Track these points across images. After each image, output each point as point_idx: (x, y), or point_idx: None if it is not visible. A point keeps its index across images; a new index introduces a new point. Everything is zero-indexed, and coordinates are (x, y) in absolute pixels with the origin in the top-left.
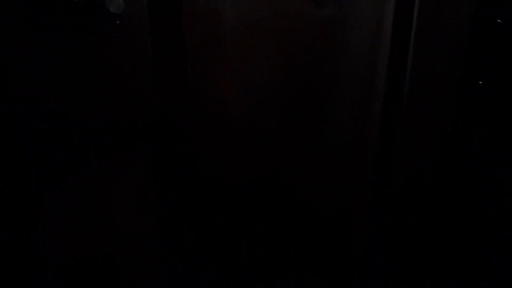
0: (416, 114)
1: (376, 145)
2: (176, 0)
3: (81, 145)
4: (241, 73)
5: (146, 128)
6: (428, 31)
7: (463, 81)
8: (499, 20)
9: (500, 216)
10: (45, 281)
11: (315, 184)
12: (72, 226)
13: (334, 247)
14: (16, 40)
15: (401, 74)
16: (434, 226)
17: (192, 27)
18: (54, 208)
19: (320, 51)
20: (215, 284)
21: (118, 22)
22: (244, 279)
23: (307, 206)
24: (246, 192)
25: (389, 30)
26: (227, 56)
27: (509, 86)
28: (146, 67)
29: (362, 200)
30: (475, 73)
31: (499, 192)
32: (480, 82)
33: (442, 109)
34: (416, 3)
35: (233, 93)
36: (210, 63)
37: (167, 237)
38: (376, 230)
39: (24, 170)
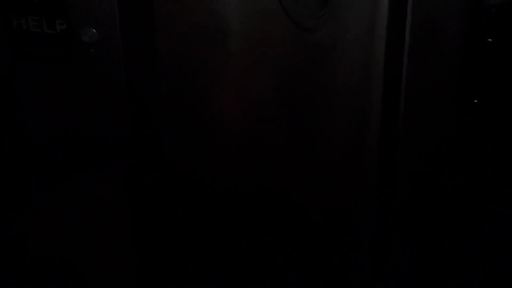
0: (413, 127)
1: (374, 156)
2: (150, 29)
3: (50, 162)
4: (236, 93)
5: (118, 146)
6: (420, 55)
7: (458, 100)
8: (489, 40)
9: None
10: None
11: (317, 194)
12: (35, 248)
13: (339, 254)
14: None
15: (396, 91)
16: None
17: (169, 51)
18: (18, 227)
19: (314, 71)
20: None
21: (92, 50)
22: None
23: (310, 216)
24: (243, 208)
25: (381, 54)
26: (221, 76)
27: (502, 104)
28: (118, 88)
29: (364, 206)
30: (470, 92)
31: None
32: (476, 101)
33: (440, 125)
34: (407, 27)
35: (217, 112)
36: (192, 81)
37: (144, 264)
38: (380, 236)
39: None
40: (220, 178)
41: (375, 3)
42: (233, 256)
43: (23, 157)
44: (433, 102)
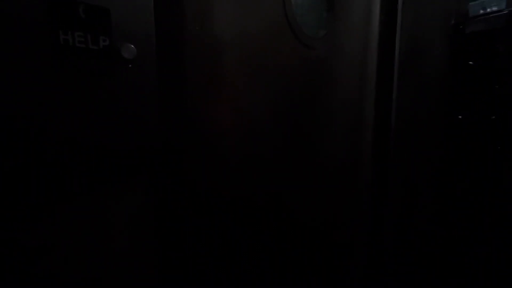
0: (404, 141)
1: (368, 168)
2: (181, 46)
3: (86, 170)
4: (241, 107)
5: (147, 155)
6: (409, 73)
7: (445, 116)
8: (471, 62)
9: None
10: None
11: (317, 200)
12: (68, 254)
13: (336, 255)
14: (46, 77)
15: (387, 106)
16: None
17: (194, 68)
18: (52, 233)
19: (312, 86)
20: None
21: (130, 65)
22: None
23: (311, 220)
24: (246, 216)
25: (374, 71)
26: (227, 90)
27: (481, 121)
28: (151, 102)
29: (361, 210)
30: (454, 108)
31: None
32: (460, 117)
33: (427, 137)
34: (396, 48)
35: (232, 124)
36: (212, 97)
37: (165, 268)
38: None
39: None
40: (231, 187)
41: (368, 25)
42: (240, 257)
43: (61, 166)
44: (421, 116)
